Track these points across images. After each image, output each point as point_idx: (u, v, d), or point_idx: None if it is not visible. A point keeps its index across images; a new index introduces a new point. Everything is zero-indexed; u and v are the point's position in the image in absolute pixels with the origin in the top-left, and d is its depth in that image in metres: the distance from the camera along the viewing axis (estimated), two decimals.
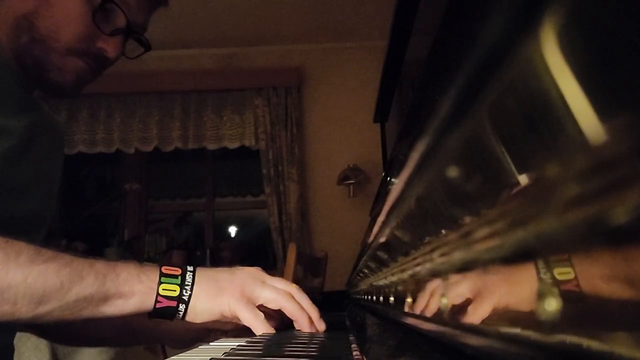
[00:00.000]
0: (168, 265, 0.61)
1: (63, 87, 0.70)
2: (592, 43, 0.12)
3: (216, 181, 3.34)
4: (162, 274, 0.60)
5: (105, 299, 0.57)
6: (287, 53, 3.14)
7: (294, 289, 0.65)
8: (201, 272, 0.62)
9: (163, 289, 0.59)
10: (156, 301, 0.59)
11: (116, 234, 3.16)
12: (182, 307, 0.59)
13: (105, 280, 0.57)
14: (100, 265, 0.58)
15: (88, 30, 0.68)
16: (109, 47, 0.70)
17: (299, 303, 0.63)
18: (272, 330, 0.60)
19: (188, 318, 0.61)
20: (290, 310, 0.62)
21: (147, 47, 0.77)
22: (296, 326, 0.64)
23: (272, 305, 0.62)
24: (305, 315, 0.63)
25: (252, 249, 3.40)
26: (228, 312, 0.61)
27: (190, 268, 0.62)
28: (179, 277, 0.60)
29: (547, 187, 0.15)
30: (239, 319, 0.61)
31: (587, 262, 0.13)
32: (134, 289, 0.58)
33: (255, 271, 0.65)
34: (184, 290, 0.60)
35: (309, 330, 0.62)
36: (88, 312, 0.57)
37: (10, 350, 0.77)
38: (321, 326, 0.64)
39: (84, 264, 0.57)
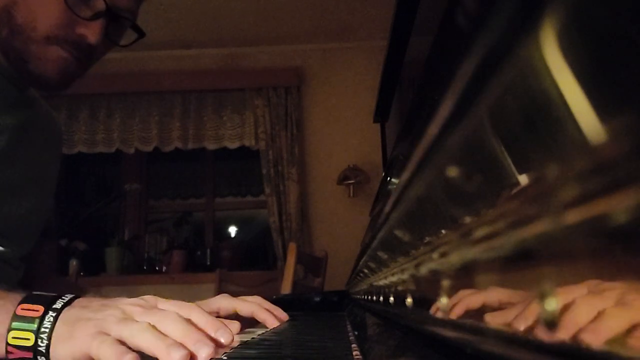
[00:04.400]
0: (29, 304, 0.48)
1: (47, 78, 0.68)
2: (592, 43, 0.12)
3: (216, 181, 3.34)
4: (15, 317, 0.47)
5: None
6: (287, 53, 3.14)
7: (168, 320, 0.46)
8: (67, 312, 0.48)
9: (13, 337, 0.46)
10: (7, 351, 0.47)
11: (116, 234, 3.16)
12: (42, 359, 0.46)
13: None
14: None
15: (65, 17, 0.65)
16: (89, 32, 0.67)
17: (159, 332, 0.45)
18: None
19: None
20: (142, 345, 0.43)
21: (141, 34, 0.75)
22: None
23: (130, 345, 0.44)
24: (161, 345, 0.43)
25: (252, 249, 3.40)
26: (81, 356, 0.45)
27: (58, 304, 0.48)
28: (36, 321, 0.47)
29: (547, 187, 0.15)
30: None
31: (587, 263, 0.13)
32: None
33: (128, 307, 0.49)
34: (39, 340, 0.46)
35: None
36: None
37: None
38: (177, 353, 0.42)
39: None
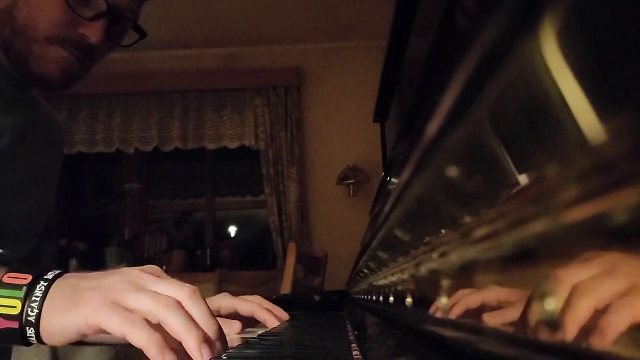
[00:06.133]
0: (17, 273, 0.46)
1: (48, 78, 0.68)
2: (592, 43, 0.12)
3: (216, 181, 3.34)
4: (0, 284, 0.45)
5: None
6: (287, 53, 3.14)
7: (185, 294, 0.44)
8: (61, 282, 0.46)
9: None
10: None
11: (116, 234, 3.16)
12: (30, 330, 0.44)
13: None
14: None
15: (66, 17, 0.65)
16: (90, 32, 0.67)
17: (189, 314, 0.43)
18: (163, 346, 0.40)
19: (46, 342, 0.45)
20: (172, 326, 0.41)
21: (143, 35, 0.74)
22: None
23: (151, 319, 0.42)
24: (193, 335, 0.41)
25: (252, 249, 3.40)
26: (86, 328, 0.43)
27: (49, 275, 0.46)
28: (24, 289, 0.45)
29: (547, 187, 0.15)
30: (106, 333, 0.42)
31: (588, 263, 0.13)
32: None
33: (135, 273, 0.46)
34: (30, 309, 0.44)
35: (196, 352, 0.40)
36: None
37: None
38: (207, 351, 0.41)
39: None
